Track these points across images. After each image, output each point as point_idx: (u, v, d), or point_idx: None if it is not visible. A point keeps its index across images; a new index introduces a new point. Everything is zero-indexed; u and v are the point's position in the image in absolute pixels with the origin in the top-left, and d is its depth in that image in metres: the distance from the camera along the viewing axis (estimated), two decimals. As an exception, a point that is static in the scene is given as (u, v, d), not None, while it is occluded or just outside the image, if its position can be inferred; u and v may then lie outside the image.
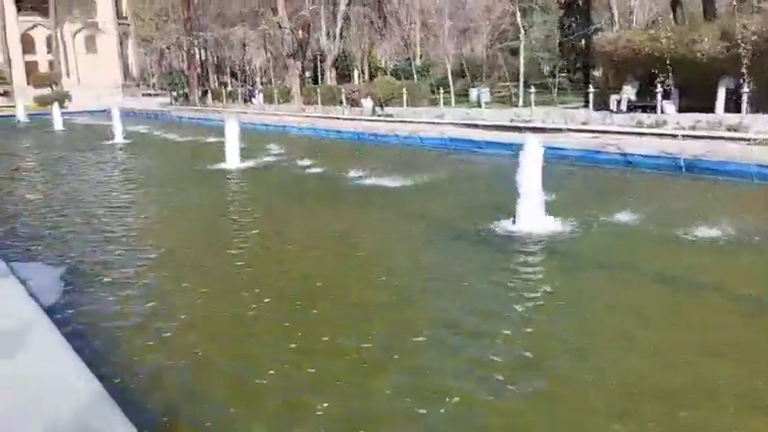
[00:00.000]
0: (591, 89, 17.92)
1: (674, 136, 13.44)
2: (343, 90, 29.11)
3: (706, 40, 18.61)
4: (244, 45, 46.23)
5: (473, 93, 29.27)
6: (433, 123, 18.90)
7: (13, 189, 12.18)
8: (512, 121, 17.58)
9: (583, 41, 35.00)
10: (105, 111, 37.66)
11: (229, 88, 54.39)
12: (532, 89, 19.99)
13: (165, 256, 7.15)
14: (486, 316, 5.03)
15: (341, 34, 38.82)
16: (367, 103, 32.79)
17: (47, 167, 15.31)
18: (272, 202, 10.28)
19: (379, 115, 24.90)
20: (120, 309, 5.49)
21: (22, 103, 33.20)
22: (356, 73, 45.56)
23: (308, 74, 50.71)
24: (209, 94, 44.29)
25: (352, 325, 4.93)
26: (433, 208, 9.16)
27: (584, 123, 16.34)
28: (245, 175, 13.02)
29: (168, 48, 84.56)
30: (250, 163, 14.19)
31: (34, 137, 24.18)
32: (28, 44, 53.98)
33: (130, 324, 5.12)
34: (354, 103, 32.07)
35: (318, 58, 44.92)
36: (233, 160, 13.98)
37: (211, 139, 19.98)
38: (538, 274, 6.19)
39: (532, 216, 7.44)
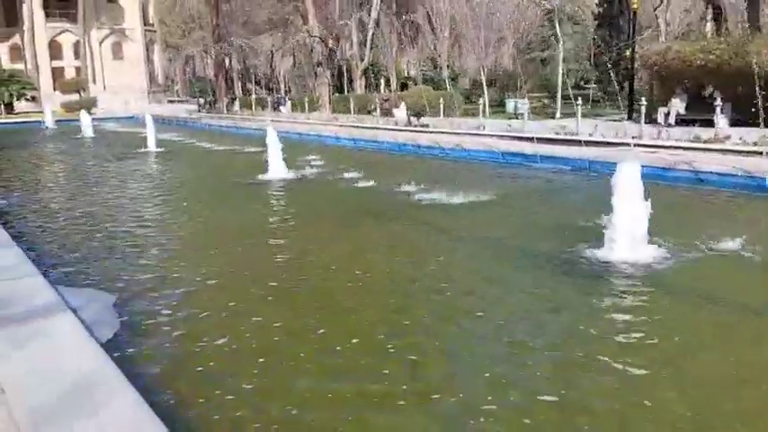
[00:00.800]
0: (642, 101, 17.00)
1: (746, 152, 12.62)
2: (377, 99, 28.45)
3: (765, 51, 17.74)
4: (271, 53, 45.91)
5: (509, 103, 28.52)
6: (476, 135, 18.17)
7: (49, 201, 11.64)
8: (557, 133, 16.82)
9: (618, 53, 34.21)
10: (133, 117, 37.60)
11: (253, 96, 54.29)
12: (578, 101, 19.18)
13: (221, 282, 6.49)
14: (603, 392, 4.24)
15: (372, 43, 38.23)
16: (399, 112, 32.22)
17: (80, 178, 14.76)
18: (325, 220, 9.57)
19: (415, 125, 24.22)
20: (192, 349, 4.82)
21: (50, 109, 33.03)
22: (382, 82, 45.05)
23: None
24: (237, 102, 44.03)
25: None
26: (505, 230, 8.41)
27: (635, 137, 15.52)
28: (291, 188, 12.37)
29: (194, 55, 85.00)
30: (293, 174, 13.55)
31: (64, 144, 23.79)
32: (55, 50, 54.29)
33: (211, 371, 4.44)
34: (386, 112, 31.49)
35: (345, 66, 44.51)
36: (276, 171, 13.36)
37: (249, 149, 19.43)
38: (661, 321, 5.24)
39: (630, 242, 6.65)
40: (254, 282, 6.46)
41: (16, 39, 54.74)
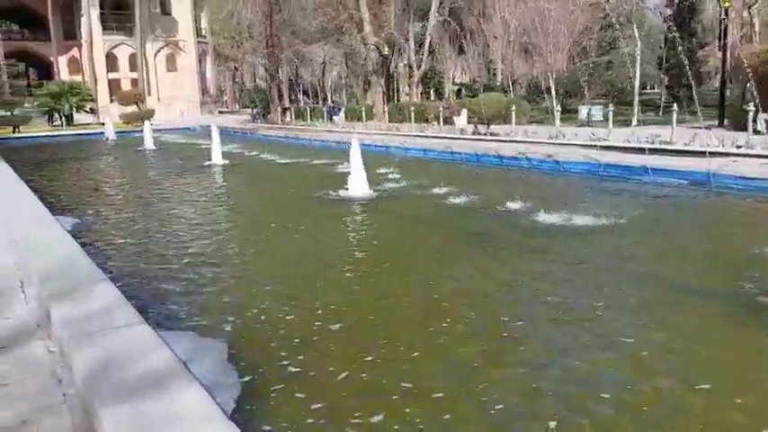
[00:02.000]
0: (750, 107, 15.40)
1: None
2: (441, 107, 27.39)
3: None
4: (324, 62, 45.46)
5: (582, 110, 27.06)
6: (560, 144, 16.90)
7: (124, 221, 10.93)
8: (652, 142, 15.41)
9: (690, 55, 32.30)
10: (189, 128, 37.54)
11: (303, 105, 54.06)
12: (672, 106, 17.70)
13: (346, 327, 5.47)
14: None
15: (429, 50, 37.25)
16: (460, 120, 31.09)
17: (153, 194, 14.04)
18: (426, 246, 8.51)
19: (483, 134, 23.06)
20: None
21: (111, 120, 33.11)
22: (432, 89, 44.09)
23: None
24: (289, 112, 43.68)
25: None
26: (656, 262, 7.16)
27: (748, 147, 14.02)
28: (379, 207, 11.35)
29: (242, 65, 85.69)
30: (375, 191, 12.55)
31: (128, 156, 23.46)
32: (111, 62, 55.20)
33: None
34: (446, 120, 30.40)
35: (396, 74, 43.72)
36: (358, 188, 12.38)
37: (316, 161, 18.63)
38: None
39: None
40: (388, 329, 5.42)
41: (75, 52, 55.94)
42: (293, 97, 60.43)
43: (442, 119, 26.33)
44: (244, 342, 5.21)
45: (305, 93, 68.86)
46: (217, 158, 19.09)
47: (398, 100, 41.57)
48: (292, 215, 10.97)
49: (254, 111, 45.61)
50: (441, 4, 37.24)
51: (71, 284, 5.72)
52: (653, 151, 13.70)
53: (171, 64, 58.31)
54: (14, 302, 6.00)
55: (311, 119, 36.84)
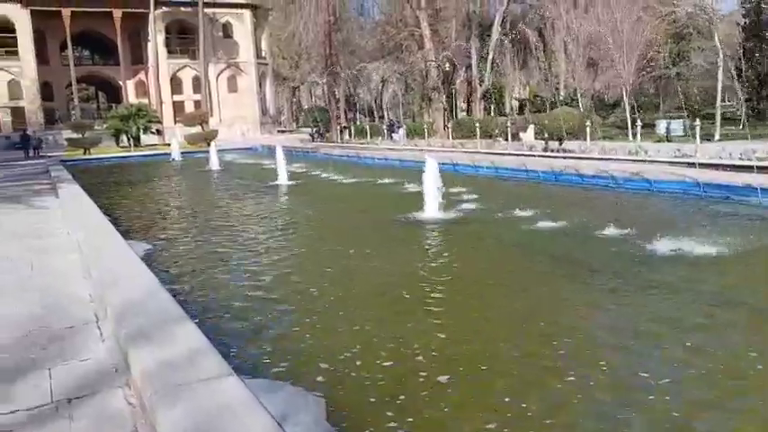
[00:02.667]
0: None
1: None
2: (509, 124, 26.50)
3: None
4: (383, 80, 45.27)
5: (660, 125, 25.64)
6: (644, 162, 15.76)
7: (197, 247, 10.54)
8: (749, 159, 14.11)
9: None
10: (251, 148, 37.85)
11: (360, 123, 53.96)
12: (747, 121, 16.33)
13: (472, 380, 4.74)
14: None
15: (492, 66, 36.45)
16: (527, 135, 30.06)
17: (224, 216, 13.70)
18: (525, 276, 7.70)
19: (555, 150, 22.02)
20: None
21: (177, 141, 33.67)
22: (481, 105, 43.04)
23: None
24: (348, 131, 43.61)
25: None
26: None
27: None
28: (461, 232, 10.62)
29: (301, 85, 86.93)
30: (452, 212, 11.83)
31: (195, 177, 23.52)
32: (175, 85, 56.75)
33: None
34: (512, 136, 29.47)
35: (454, 90, 43.07)
36: (434, 210, 11.69)
37: (382, 181, 18.07)
38: None
39: None
40: (508, 386, 4.65)
41: (141, 75, 57.82)
42: (351, 116, 60.61)
43: (509, 135, 25.37)
44: (341, 395, 4.56)
45: (361, 111, 68.99)
46: (283, 179, 18.82)
47: (456, 116, 40.89)
48: (369, 240, 10.33)
49: (314, 130, 45.74)
50: (503, 18, 36.44)
51: (150, 322, 5.22)
52: (762, 169, 12.43)
53: (232, 85, 59.44)
54: (90, 340, 5.56)
55: (371, 137, 36.50)
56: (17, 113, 50.30)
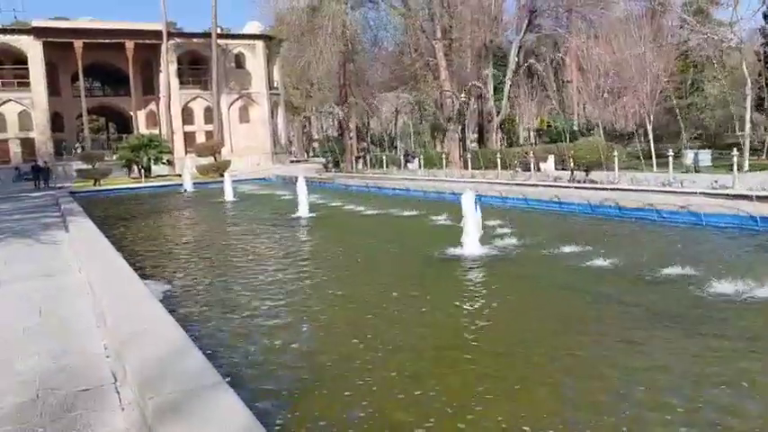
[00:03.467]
0: None
1: None
2: (531, 153, 25.78)
3: None
4: (396, 111, 44.89)
5: (688, 155, 24.84)
6: (682, 193, 14.88)
7: (220, 287, 9.71)
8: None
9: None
10: (265, 179, 37.31)
11: (371, 153, 53.51)
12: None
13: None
14: None
15: (509, 96, 35.95)
16: (547, 166, 29.33)
17: (245, 252, 12.78)
18: (587, 324, 6.80)
19: (581, 181, 21.20)
20: None
21: (189, 172, 33.11)
22: (498, 135, 42.48)
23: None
24: (362, 160, 43.04)
25: None
26: None
27: None
28: (506, 271, 9.72)
29: (312, 114, 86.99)
30: (492, 248, 10.97)
31: (210, 209, 22.67)
32: (187, 115, 56.61)
33: None
34: (527, 166, 28.71)
35: (466, 121, 42.59)
36: (473, 245, 10.84)
37: (407, 213, 17.27)
38: None
39: None
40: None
41: (152, 106, 57.79)
42: (363, 146, 60.28)
43: (532, 165, 24.62)
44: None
45: (372, 141, 68.68)
46: (303, 211, 18.04)
47: (465, 146, 40.31)
48: (410, 281, 9.42)
49: (328, 159, 45.22)
50: (519, 48, 36.09)
51: (180, 389, 4.34)
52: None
53: (244, 116, 59.27)
54: (107, 408, 4.70)
55: (386, 166, 35.88)
56: (27, 144, 50.10)
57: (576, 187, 17.83)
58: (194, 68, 58.06)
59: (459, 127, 36.37)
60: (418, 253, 11.29)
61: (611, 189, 16.17)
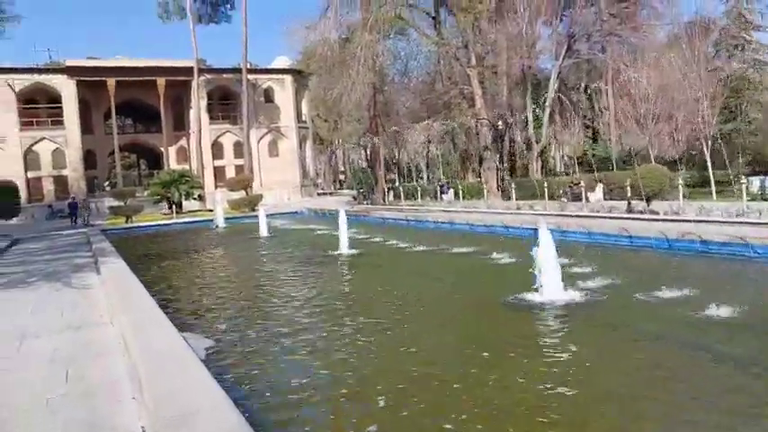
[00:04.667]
0: None
1: None
2: (581, 182, 24.38)
3: None
4: (428, 140, 43.93)
5: (754, 181, 23.21)
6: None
7: (268, 339, 8.50)
8: None
9: None
10: (296, 212, 36.37)
11: (396, 184, 52.59)
12: None
13: None
14: None
15: (549, 122, 34.71)
16: (595, 195, 27.87)
17: (289, 297, 11.54)
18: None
19: (642, 212, 19.71)
20: None
21: (221, 206, 32.32)
22: (538, 163, 41.05)
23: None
24: (392, 191, 42.07)
25: None
26: None
27: None
28: (600, 322, 8.32)
29: (340, 146, 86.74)
30: (575, 292, 9.59)
31: (245, 246, 21.35)
32: (216, 150, 56.48)
33: None
34: (577, 196, 27.27)
35: (501, 149, 41.37)
36: (552, 289, 9.48)
37: (459, 249, 15.95)
38: None
39: None
40: None
41: (183, 141, 57.87)
42: (392, 176, 59.38)
43: (583, 195, 23.20)
44: None
45: (400, 172, 67.80)
46: (344, 247, 16.84)
47: (501, 177, 39.01)
48: (485, 336, 8.08)
49: (359, 191, 44.30)
50: (558, 74, 34.96)
51: None
52: None
53: (273, 149, 58.99)
54: None
55: (421, 197, 34.73)
56: (60, 182, 50.26)
57: (648, 219, 16.36)
58: (224, 104, 58.18)
59: (497, 156, 35.11)
60: (489, 299, 9.96)
61: (696, 221, 14.65)
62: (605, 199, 27.36)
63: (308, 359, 7.38)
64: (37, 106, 50.39)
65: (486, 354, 7.15)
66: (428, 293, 11.22)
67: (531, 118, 35.49)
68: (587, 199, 26.30)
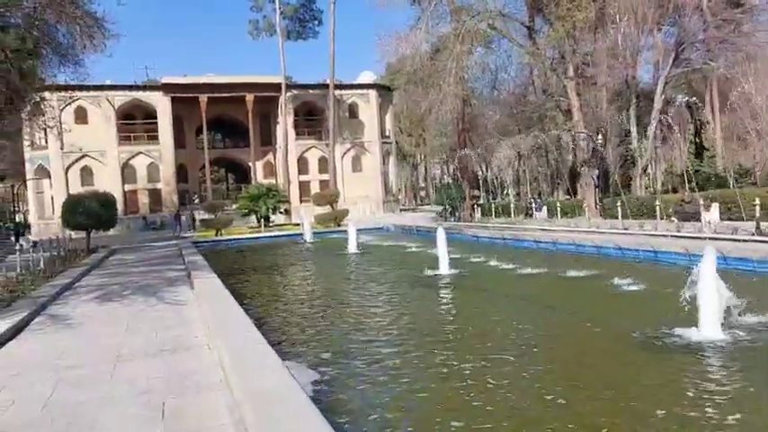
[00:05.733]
0: None
1: None
2: (701, 200, 22.15)
3: None
4: (519, 155, 42.14)
5: None
6: None
7: (389, 384, 7.47)
8: None
9: None
10: (382, 228, 35.58)
11: (482, 200, 50.85)
12: None
13: None
14: None
15: (655, 136, 32.29)
16: (711, 216, 25.24)
17: (397, 327, 10.40)
18: None
19: (776, 235, 17.34)
20: None
21: (308, 221, 32.03)
22: (642, 180, 38.29)
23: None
24: (480, 208, 40.53)
25: None
26: None
27: None
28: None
29: (422, 161, 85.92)
30: (741, 331, 7.99)
31: (337, 263, 20.30)
32: (301, 165, 57.00)
33: None
34: (686, 216, 24.83)
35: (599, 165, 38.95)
36: (714, 326, 7.92)
37: (574, 273, 14.39)
38: None
39: None
40: None
41: (269, 156, 58.82)
42: (475, 193, 57.74)
43: (703, 216, 20.96)
44: None
45: (485, 188, 65.82)
46: (444, 267, 15.65)
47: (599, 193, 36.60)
48: (638, 386, 6.65)
49: (445, 207, 43.08)
50: (665, 85, 32.45)
51: None
52: None
53: (356, 165, 58.94)
54: None
55: (514, 215, 33.07)
56: (154, 195, 52.10)
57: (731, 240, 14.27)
58: (309, 119, 58.77)
59: (595, 172, 32.97)
60: (623, 334, 8.48)
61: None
62: (721, 219, 24.78)
63: (434, 404, 6.26)
64: (134, 122, 52.63)
65: (651, 413, 5.75)
66: (548, 325, 9.82)
67: (634, 131, 33.13)
68: (702, 219, 23.87)
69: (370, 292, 13.89)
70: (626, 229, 22.52)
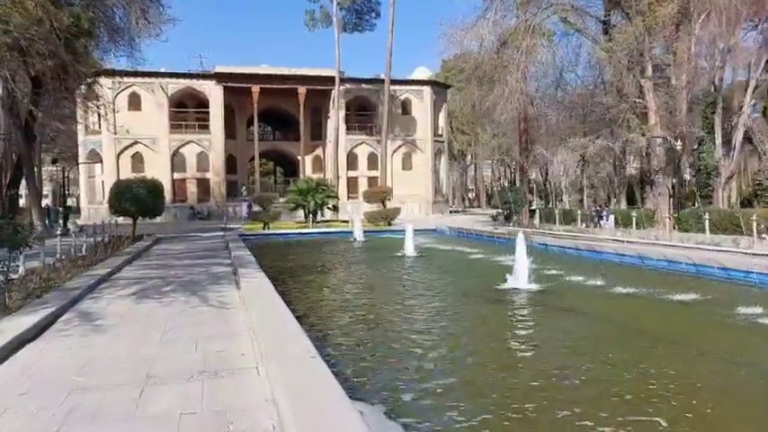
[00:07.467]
0: None
1: None
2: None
3: None
4: (583, 159, 39.61)
5: None
6: None
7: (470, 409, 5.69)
8: None
9: None
10: (436, 230, 33.71)
11: (535, 205, 48.49)
12: None
13: None
14: None
15: (741, 144, 29.46)
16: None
17: (476, 352, 8.72)
18: None
19: None
20: None
21: (359, 219, 30.42)
22: (725, 191, 35.24)
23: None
24: (539, 214, 38.27)
25: None
26: None
27: None
28: None
29: (474, 162, 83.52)
30: None
31: (394, 268, 18.10)
32: (350, 161, 55.64)
33: None
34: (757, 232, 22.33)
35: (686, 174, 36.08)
36: None
37: (679, 296, 12.24)
38: None
39: None
40: None
41: (319, 151, 57.64)
42: (531, 198, 55.23)
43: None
44: None
45: (546, 193, 63.22)
46: (522, 281, 13.69)
47: (675, 204, 33.81)
48: None
49: (499, 211, 40.94)
50: (755, 89, 29.52)
51: None
52: None
53: (407, 162, 57.29)
54: None
55: (581, 222, 30.73)
56: (202, 184, 51.51)
57: None
58: (360, 114, 57.35)
59: (671, 180, 30.31)
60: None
61: None
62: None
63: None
64: (186, 110, 52.13)
65: None
66: (689, 370, 7.79)
67: (719, 139, 30.30)
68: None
69: (438, 308, 12.05)
70: (716, 245, 20.10)
